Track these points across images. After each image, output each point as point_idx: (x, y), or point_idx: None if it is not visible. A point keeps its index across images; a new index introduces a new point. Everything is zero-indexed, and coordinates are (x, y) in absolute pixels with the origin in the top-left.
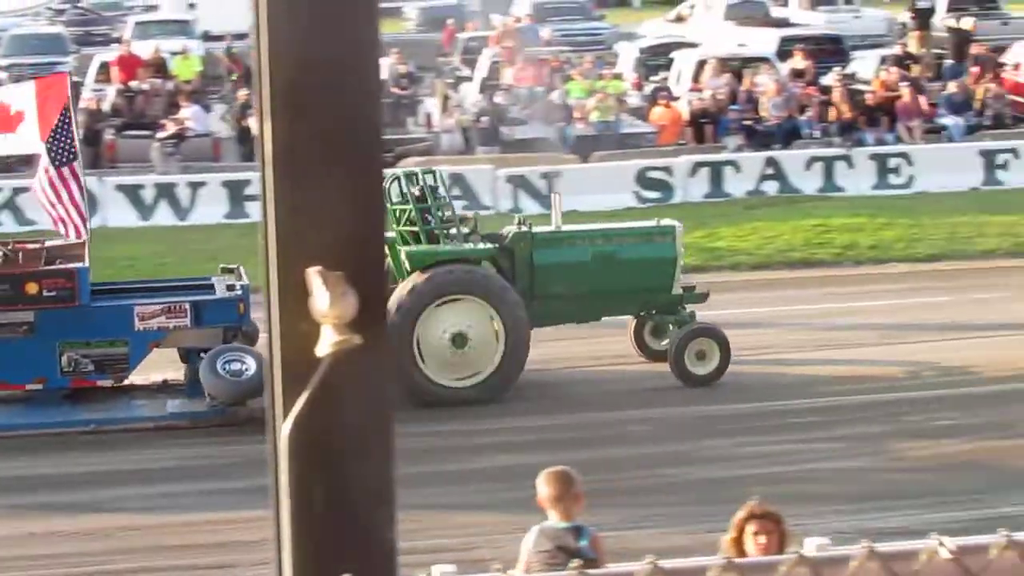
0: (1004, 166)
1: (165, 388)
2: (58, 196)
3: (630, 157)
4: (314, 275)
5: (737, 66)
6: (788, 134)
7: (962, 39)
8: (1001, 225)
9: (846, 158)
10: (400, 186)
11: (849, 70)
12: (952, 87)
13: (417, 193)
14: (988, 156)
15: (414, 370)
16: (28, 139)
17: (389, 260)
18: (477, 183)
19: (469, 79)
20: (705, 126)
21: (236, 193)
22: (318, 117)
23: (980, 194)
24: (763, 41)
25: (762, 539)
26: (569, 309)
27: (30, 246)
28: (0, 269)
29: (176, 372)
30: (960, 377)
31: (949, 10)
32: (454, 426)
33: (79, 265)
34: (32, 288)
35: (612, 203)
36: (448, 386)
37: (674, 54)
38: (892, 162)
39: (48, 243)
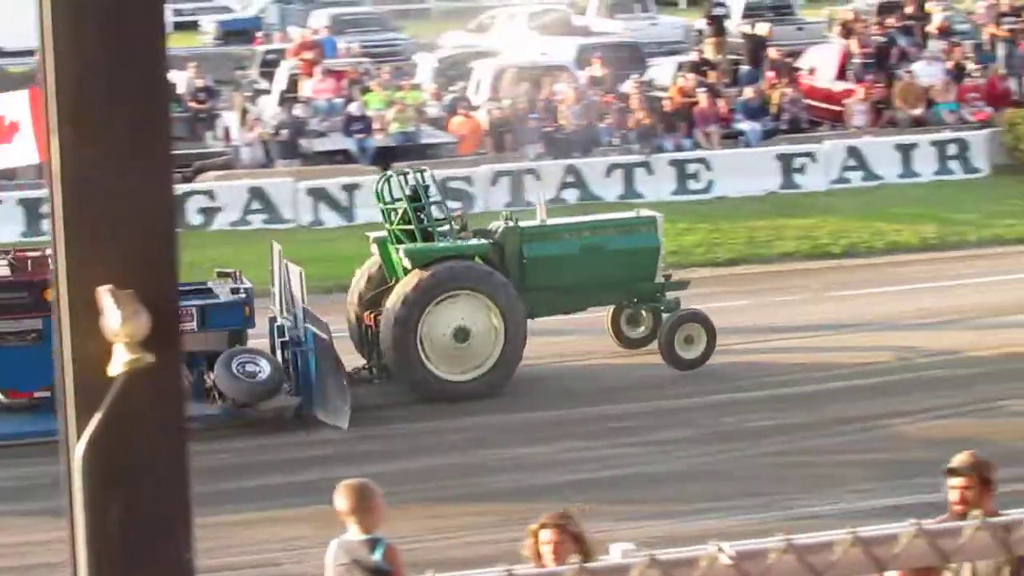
0: (801, 170)
1: None
2: None
3: (430, 167)
4: (105, 293)
5: (536, 75)
6: (587, 142)
7: (758, 45)
8: (799, 228)
9: (645, 164)
10: (390, 186)
11: (647, 77)
12: (748, 92)
13: (410, 192)
14: (785, 160)
15: (419, 366)
16: (26, 150)
17: (379, 259)
18: (277, 196)
19: (268, 92)
20: (504, 135)
21: (32, 211)
22: (106, 133)
23: (778, 198)
24: (562, 49)
25: (557, 546)
26: (558, 300)
27: (32, 254)
28: (14, 277)
29: None
30: (770, 379)
31: (744, 16)
32: (260, 441)
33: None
34: (51, 295)
35: None
36: (452, 380)
37: (473, 64)
38: (691, 168)
39: (48, 251)
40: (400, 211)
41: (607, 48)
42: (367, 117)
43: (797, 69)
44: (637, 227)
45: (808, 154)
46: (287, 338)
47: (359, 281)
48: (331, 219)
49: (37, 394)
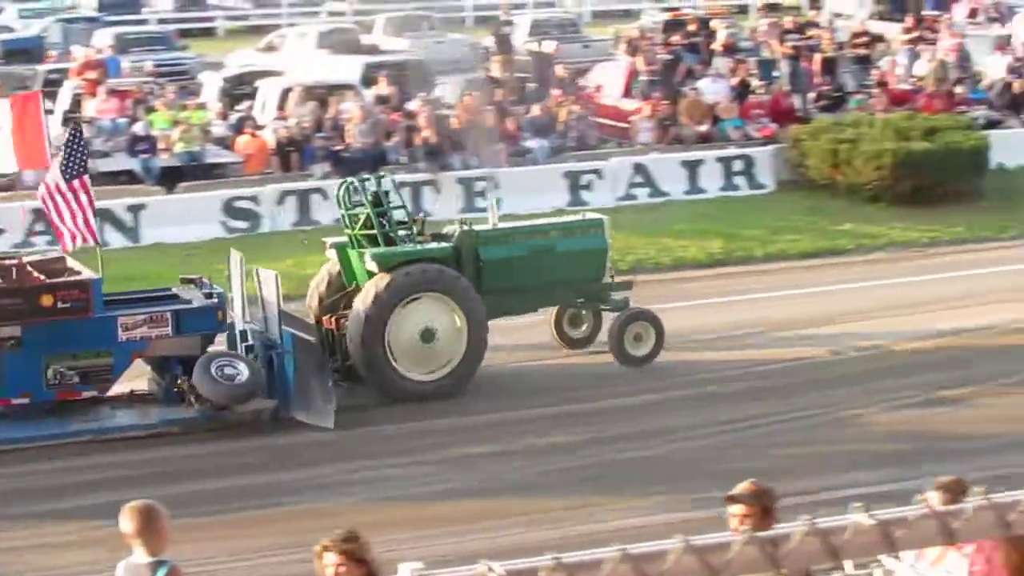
0: (588, 187)
1: (136, 399)
2: (69, 209)
3: (216, 187)
4: None
5: (323, 94)
6: (375, 160)
7: (544, 62)
8: None
9: (433, 183)
10: (350, 192)
11: (434, 95)
12: (536, 110)
13: (371, 198)
14: (572, 177)
15: (386, 366)
16: (3, 159)
17: (338, 265)
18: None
19: (51, 112)
20: (291, 154)
21: None
22: None
23: (565, 215)
24: (348, 68)
25: (340, 569)
26: (513, 302)
27: (7, 262)
28: (11, 283)
29: (137, 383)
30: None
31: (531, 34)
32: (36, 466)
33: (92, 276)
34: (48, 300)
35: (199, 234)
36: (419, 380)
37: (259, 83)
38: (478, 186)
39: (25, 258)
40: (362, 216)
41: (393, 66)
42: (152, 137)
43: (584, 87)
44: (586, 229)
45: (595, 171)
46: (251, 342)
47: (318, 286)
48: (116, 240)
49: (15, 401)
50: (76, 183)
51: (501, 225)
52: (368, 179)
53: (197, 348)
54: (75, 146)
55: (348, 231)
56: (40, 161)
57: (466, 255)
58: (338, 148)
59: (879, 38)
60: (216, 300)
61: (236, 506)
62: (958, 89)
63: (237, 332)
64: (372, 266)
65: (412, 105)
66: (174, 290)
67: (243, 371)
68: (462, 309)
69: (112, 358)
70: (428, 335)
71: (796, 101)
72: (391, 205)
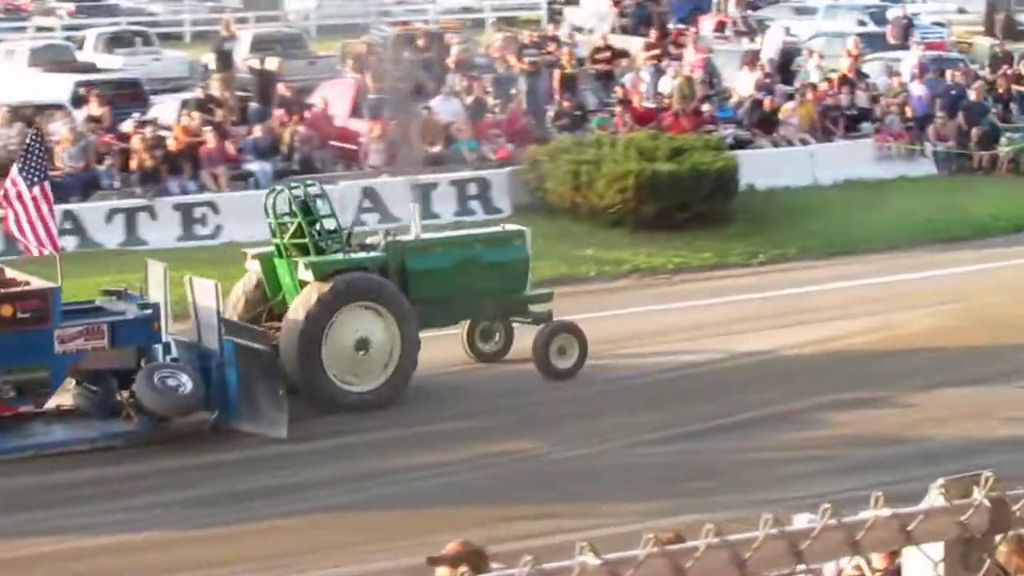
0: None
1: (64, 414)
2: (28, 216)
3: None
4: None
5: (29, 114)
6: (86, 185)
7: (267, 80)
8: None
9: (149, 208)
10: (276, 201)
11: (149, 115)
12: (258, 131)
13: (300, 206)
14: None
15: (322, 377)
16: None
17: (260, 275)
18: None
19: None
20: None
21: None
22: None
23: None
24: (57, 87)
25: None
26: (437, 313)
27: None
28: None
29: (61, 398)
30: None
31: (253, 50)
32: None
33: (51, 285)
34: (7, 311)
35: None
36: (353, 391)
37: None
38: (197, 212)
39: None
40: (292, 225)
41: (106, 85)
42: None
43: (309, 105)
44: (509, 240)
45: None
46: (174, 355)
47: (237, 300)
48: None
49: None
50: (36, 190)
51: (425, 236)
52: (296, 186)
53: (132, 360)
54: (35, 151)
55: (276, 240)
56: None
57: (393, 265)
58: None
59: (622, 53)
60: (151, 311)
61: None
62: (705, 107)
63: (160, 344)
64: (307, 275)
65: (126, 126)
66: (98, 302)
67: (186, 382)
68: (396, 319)
69: (49, 372)
70: (362, 344)
71: (534, 120)
72: (320, 213)
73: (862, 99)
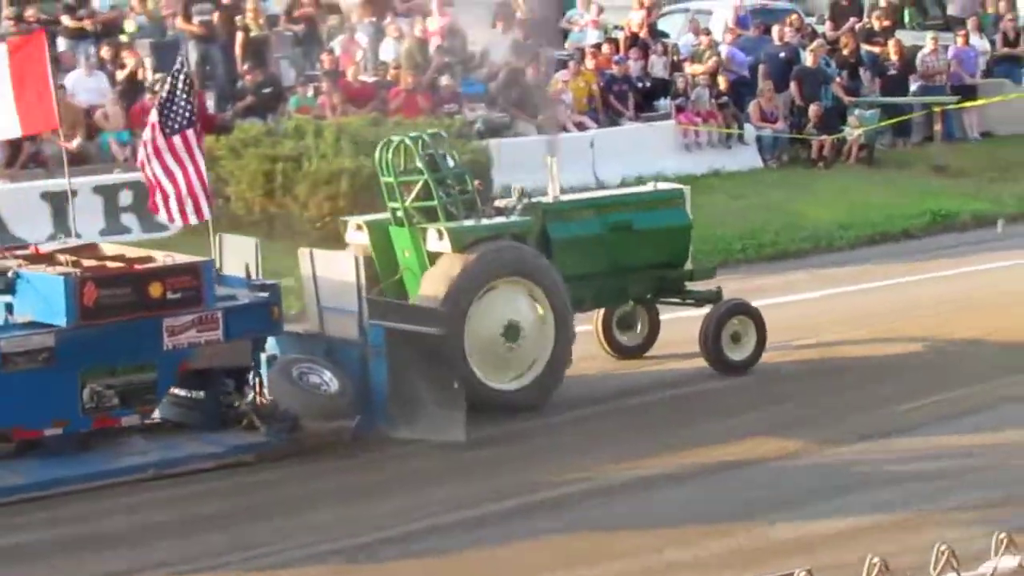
0: None
1: (167, 427)
2: (167, 171)
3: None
4: None
5: None
6: None
7: None
8: None
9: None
10: (391, 155)
11: None
12: None
13: (427, 161)
14: None
15: (464, 371)
16: (6, 121)
17: (369, 249)
18: None
19: None
20: None
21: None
22: None
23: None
24: None
25: None
26: (583, 292)
27: (19, 252)
28: (115, 270)
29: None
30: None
31: None
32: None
33: (202, 259)
34: (156, 290)
35: None
36: (500, 388)
37: None
38: None
39: (56, 244)
40: (417, 185)
41: None
42: None
43: None
44: (668, 202)
45: None
46: (272, 352)
47: None
48: None
49: (48, 432)
50: (177, 139)
51: (565, 197)
52: (420, 138)
53: (247, 357)
54: (178, 94)
55: (395, 204)
56: (48, 120)
57: (531, 234)
58: None
59: (330, 8)
60: (269, 294)
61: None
62: (444, 80)
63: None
64: (441, 245)
65: None
66: None
67: (330, 380)
68: (549, 300)
69: (156, 372)
70: (512, 331)
71: (210, 102)
72: (452, 170)
73: (659, 67)
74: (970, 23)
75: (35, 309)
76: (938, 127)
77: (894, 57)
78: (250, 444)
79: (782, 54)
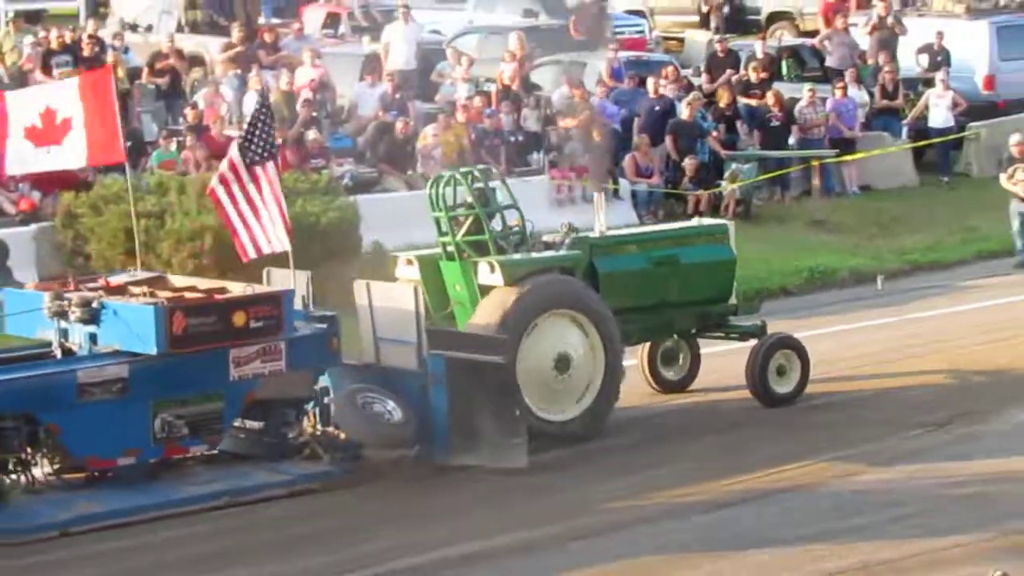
0: None
1: (224, 458)
2: (250, 203)
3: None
4: None
5: None
6: None
7: None
8: None
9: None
10: (444, 191)
11: None
12: None
13: (477, 195)
14: None
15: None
16: (75, 151)
17: (419, 284)
18: None
19: None
20: None
21: None
22: None
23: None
24: None
25: None
26: (634, 325)
27: (89, 284)
28: (202, 300)
29: None
30: None
31: None
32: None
33: (283, 288)
34: (240, 319)
35: None
36: (552, 420)
37: None
38: None
39: (125, 277)
40: (467, 219)
41: None
42: None
43: None
44: (712, 237)
45: None
46: (325, 384)
47: None
48: None
49: (120, 462)
50: (259, 170)
51: (611, 233)
52: (471, 172)
53: (307, 387)
54: (262, 124)
55: (445, 239)
56: (114, 153)
57: (580, 268)
58: None
59: (196, 61)
60: (328, 325)
61: None
62: (311, 134)
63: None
64: (492, 279)
65: None
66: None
67: (393, 409)
68: (599, 332)
69: (223, 402)
70: (563, 362)
71: None
72: (501, 205)
73: (531, 120)
74: (848, 75)
75: (122, 338)
76: (816, 181)
77: (775, 109)
78: (315, 473)
79: (657, 107)
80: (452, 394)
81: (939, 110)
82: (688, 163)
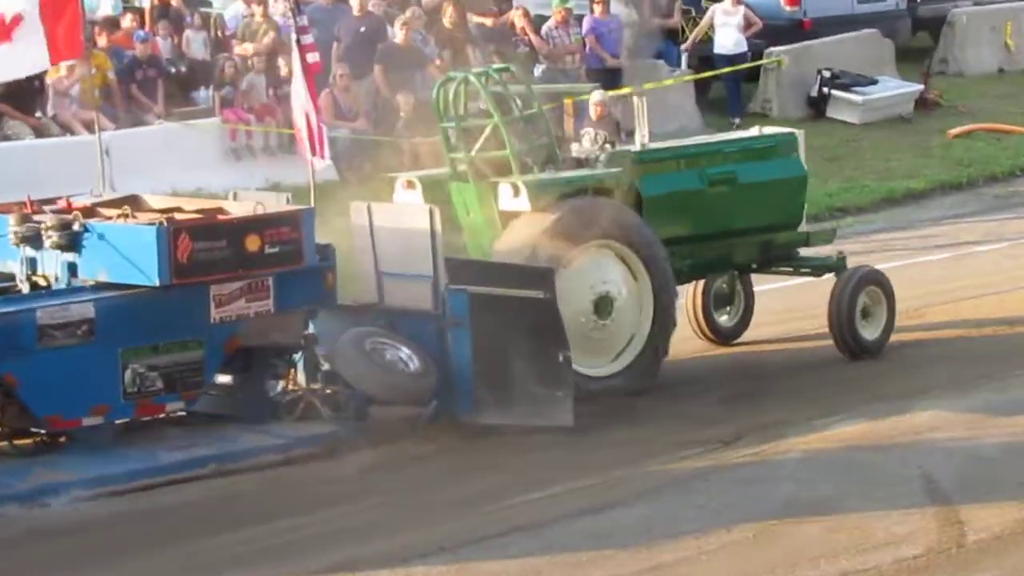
0: None
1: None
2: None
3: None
4: None
5: None
6: None
7: None
8: None
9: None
10: (450, 95)
11: None
12: None
13: (495, 102)
14: None
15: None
16: (34, 53)
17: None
18: None
19: None
20: None
21: None
22: None
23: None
24: None
25: None
26: (684, 259)
27: (61, 203)
28: (209, 221)
29: None
30: None
31: None
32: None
33: (302, 207)
34: (253, 243)
35: None
36: (590, 374)
37: None
38: None
39: (77, 200)
40: (482, 130)
41: None
42: None
43: None
44: (778, 149)
45: None
46: (311, 331)
47: None
48: None
49: (86, 422)
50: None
51: (655, 145)
52: (486, 73)
53: (298, 332)
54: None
55: (457, 155)
56: (74, 49)
57: (619, 188)
58: None
59: None
60: (322, 257)
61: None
62: None
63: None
64: (516, 203)
65: None
66: None
67: (411, 357)
68: (645, 264)
69: (203, 350)
70: (605, 306)
71: None
72: (525, 112)
73: (197, 45)
74: None
75: (111, 268)
76: (570, 126)
77: (519, 31)
78: (314, 435)
79: (363, 28)
80: (477, 338)
81: (728, 31)
82: (402, 101)
